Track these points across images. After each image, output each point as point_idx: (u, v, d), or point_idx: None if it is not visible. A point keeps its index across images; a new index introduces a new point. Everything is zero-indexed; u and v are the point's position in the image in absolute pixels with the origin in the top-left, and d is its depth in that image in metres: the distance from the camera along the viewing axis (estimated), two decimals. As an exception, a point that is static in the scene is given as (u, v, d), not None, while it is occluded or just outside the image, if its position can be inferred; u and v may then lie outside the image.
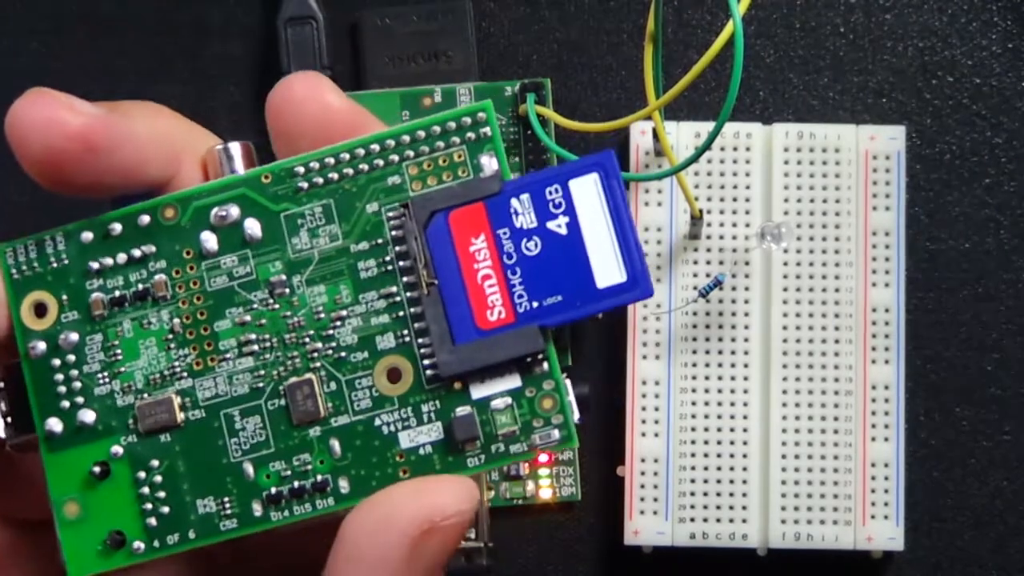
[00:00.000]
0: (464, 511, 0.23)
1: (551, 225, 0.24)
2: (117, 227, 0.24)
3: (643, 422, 0.38)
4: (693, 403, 0.38)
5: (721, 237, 0.38)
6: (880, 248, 0.38)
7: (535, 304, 0.24)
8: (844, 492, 0.37)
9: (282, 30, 0.39)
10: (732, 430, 0.38)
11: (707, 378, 0.38)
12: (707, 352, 0.38)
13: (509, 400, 0.24)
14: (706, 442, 0.38)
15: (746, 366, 0.38)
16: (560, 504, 0.40)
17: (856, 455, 0.38)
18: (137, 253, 0.24)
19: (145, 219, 0.24)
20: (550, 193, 0.24)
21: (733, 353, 0.38)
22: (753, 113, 0.40)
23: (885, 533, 0.37)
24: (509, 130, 0.39)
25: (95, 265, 0.24)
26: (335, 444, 0.24)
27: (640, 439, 0.38)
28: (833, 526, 0.37)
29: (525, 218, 0.24)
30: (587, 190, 0.24)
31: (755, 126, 0.38)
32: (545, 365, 0.24)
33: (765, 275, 0.38)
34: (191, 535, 0.24)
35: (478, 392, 0.24)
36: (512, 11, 0.41)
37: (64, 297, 0.25)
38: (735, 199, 0.38)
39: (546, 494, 0.39)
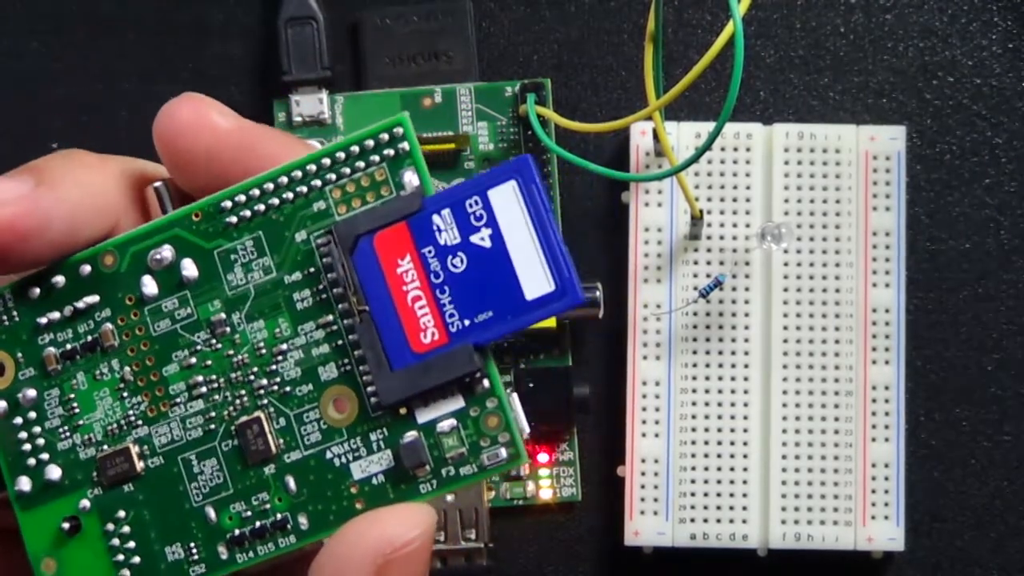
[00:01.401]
0: (417, 536, 0.23)
1: (475, 239, 0.23)
2: (60, 279, 0.24)
3: (643, 422, 0.38)
4: (693, 403, 0.38)
5: (721, 237, 0.38)
6: (880, 248, 0.38)
7: (466, 322, 0.23)
8: (844, 492, 0.37)
9: (282, 30, 0.39)
10: (732, 430, 0.38)
11: (707, 378, 0.38)
12: (707, 352, 0.38)
13: (454, 422, 0.23)
14: (706, 442, 0.38)
15: (746, 366, 0.38)
16: (560, 504, 0.40)
17: (856, 455, 0.38)
18: (82, 304, 0.24)
19: (86, 269, 0.24)
20: (470, 206, 0.23)
21: (733, 354, 0.38)
22: (753, 113, 0.40)
23: (885, 533, 0.37)
24: (509, 130, 0.39)
25: (44, 320, 0.24)
26: (290, 481, 0.24)
27: (640, 439, 0.38)
28: (833, 526, 0.37)
29: (448, 234, 0.23)
30: (507, 199, 0.23)
31: (755, 126, 0.38)
32: (486, 383, 0.23)
33: (765, 275, 0.38)
34: None
35: (423, 416, 0.23)
36: (512, 11, 0.41)
37: (19, 355, 0.24)
38: (735, 199, 0.38)
39: (546, 494, 0.39)
